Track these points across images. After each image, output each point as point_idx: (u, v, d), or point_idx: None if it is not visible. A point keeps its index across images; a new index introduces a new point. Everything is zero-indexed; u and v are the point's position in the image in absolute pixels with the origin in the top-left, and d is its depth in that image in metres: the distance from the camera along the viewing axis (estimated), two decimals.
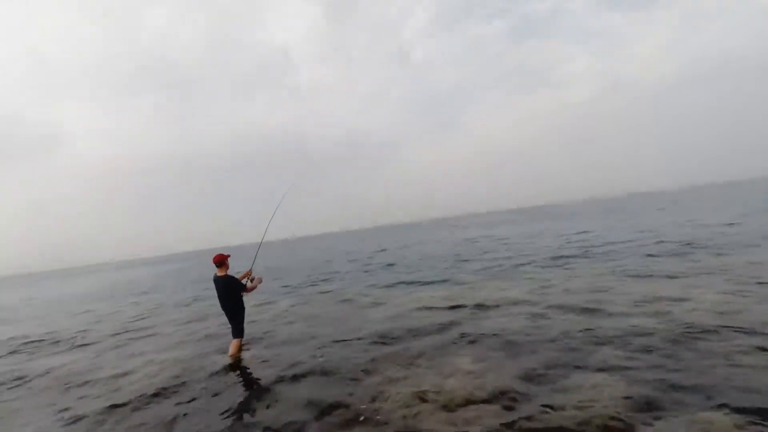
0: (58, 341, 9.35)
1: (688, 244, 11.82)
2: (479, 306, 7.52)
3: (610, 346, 4.81)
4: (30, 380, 6.41)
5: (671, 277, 7.99)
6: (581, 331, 5.47)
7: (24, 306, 20.74)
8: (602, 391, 3.72)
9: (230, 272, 6.19)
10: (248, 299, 8.47)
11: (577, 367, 4.32)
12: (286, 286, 13.87)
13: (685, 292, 6.76)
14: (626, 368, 4.15)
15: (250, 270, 6.52)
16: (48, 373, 6.69)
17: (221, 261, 5.98)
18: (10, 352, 8.79)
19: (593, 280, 8.61)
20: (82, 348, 8.35)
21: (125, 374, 6.03)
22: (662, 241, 12.97)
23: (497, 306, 7.36)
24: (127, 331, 9.40)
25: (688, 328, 5.09)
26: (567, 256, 12.53)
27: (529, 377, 4.23)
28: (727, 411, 3.21)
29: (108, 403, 4.89)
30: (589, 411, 3.42)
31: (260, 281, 6.39)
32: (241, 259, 19.06)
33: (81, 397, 5.31)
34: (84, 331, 10.30)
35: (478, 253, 16.81)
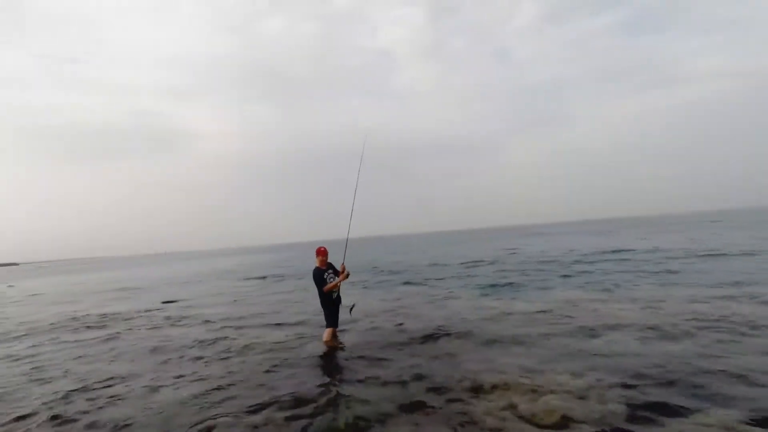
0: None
1: None
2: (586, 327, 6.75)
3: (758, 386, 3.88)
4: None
5: None
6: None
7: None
8: None
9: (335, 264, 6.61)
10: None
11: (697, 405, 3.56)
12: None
13: None
14: None
15: (343, 264, 6.59)
16: None
17: (317, 252, 6.46)
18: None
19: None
20: None
21: None
22: None
23: (609, 326, 6.52)
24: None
25: None
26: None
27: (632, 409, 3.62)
28: None
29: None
30: None
31: (343, 279, 6.43)
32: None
33: None
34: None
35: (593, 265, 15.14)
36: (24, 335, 9.30)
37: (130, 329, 9.04)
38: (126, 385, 5.22)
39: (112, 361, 6.58)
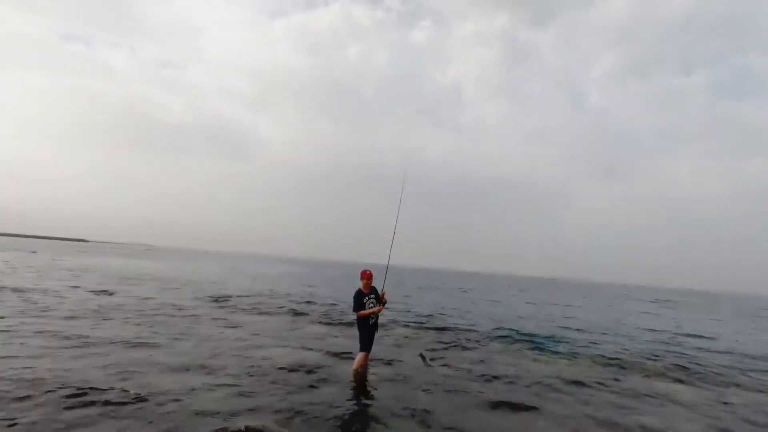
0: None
1: None
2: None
3: None
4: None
5: None
6: None
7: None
8: None
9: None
10: None
11: None
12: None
13: None
14: None
15: (384, 291, 6.38)
16: None
17: (361, 275, 6.27)
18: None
19: None
20: None
21: None
22: None
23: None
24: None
25: None
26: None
27: None
28: None
29: None
30: None
31: (380, 309, 6.22)
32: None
33: None
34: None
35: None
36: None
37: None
38: None
39: None
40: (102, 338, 7.28)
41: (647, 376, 7.54)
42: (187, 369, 5.91)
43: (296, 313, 12.24)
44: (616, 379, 7.09)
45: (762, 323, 22.23)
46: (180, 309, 11.29)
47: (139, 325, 8.74)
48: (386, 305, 6.39)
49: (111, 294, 13.35)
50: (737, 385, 7.27)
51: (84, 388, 4.71)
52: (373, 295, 6.29)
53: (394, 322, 11.64)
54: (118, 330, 8.07)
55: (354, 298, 6.22)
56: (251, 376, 5.82)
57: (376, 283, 6.34)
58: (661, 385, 6.95)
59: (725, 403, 6.19)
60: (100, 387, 4.79)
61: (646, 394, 6.34)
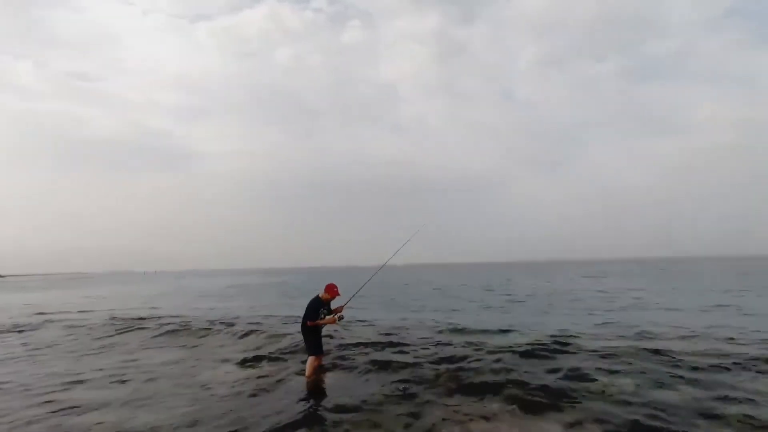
0: None
1: None
2: None
3: None
4: None
5: None
6: None
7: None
8: None
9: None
10: None
11: None
12: None
13: None
14: None
15: (342, 308, 6.48)
16: None
17: (327, 288, 6.31)
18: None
19: None
20: None
21: None
22: None
23: None
24: None
25: None
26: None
27: None
28: None
29: None
30: None
31: (333, 320, 6.27)
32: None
33: None
34: None
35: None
36: None
37: None
38: None
39: None
40: None
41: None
42: None
43: None
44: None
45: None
46: None
47: None
48: (341, 320, 6.32)
49: None
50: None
51: None
52: (325, 309, 6.33)
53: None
54: None
55: (309, 305, 6.25)
56: None
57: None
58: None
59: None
60: None
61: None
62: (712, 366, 6.06)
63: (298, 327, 6.62)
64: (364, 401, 5.30)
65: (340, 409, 5.10)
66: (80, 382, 6.79)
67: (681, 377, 5.62)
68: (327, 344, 7.68)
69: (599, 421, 4.38)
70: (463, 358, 6.94)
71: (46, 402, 5.79)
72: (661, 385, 5.39)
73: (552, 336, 8.31)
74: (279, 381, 6.47)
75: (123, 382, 6.72)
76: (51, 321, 14.29)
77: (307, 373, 6.34)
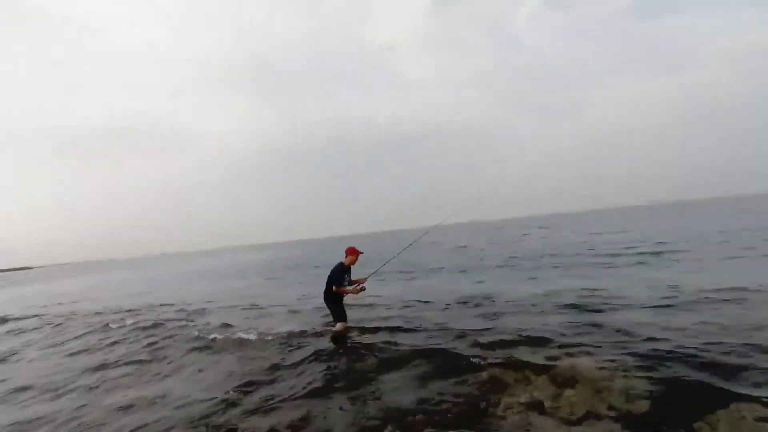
0: None
1: None
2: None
3: None
4: None
5: None
6: None
7: None
8: None
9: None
10: None
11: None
12: None
13: None
14: None
15: (365, 279, 6.42)
16: None
17: (350, 251, 6.26)
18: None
19: None
20: None
21: None
22: None
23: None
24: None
25: None
26: None
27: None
28: None
29: None
30: None
31: (357, 292, 6.20)
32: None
33: None
34: None
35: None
36: None
37: None
38: None
39: None
40: None
41: None
42: None
43: None
44: None
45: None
46: None
47: None
48: (362, 291, 6.27)
49: None
50: None
51: None
52: (349, 275, 6.23)
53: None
54: None
55: (334, 271, 6.18)
56: None
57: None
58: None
59: None
60: None
61: None
62: None
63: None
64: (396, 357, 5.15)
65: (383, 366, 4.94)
66: None
67: None
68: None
69: None
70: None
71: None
72: None
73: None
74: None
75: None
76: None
77: (340, 330, 6.30)
